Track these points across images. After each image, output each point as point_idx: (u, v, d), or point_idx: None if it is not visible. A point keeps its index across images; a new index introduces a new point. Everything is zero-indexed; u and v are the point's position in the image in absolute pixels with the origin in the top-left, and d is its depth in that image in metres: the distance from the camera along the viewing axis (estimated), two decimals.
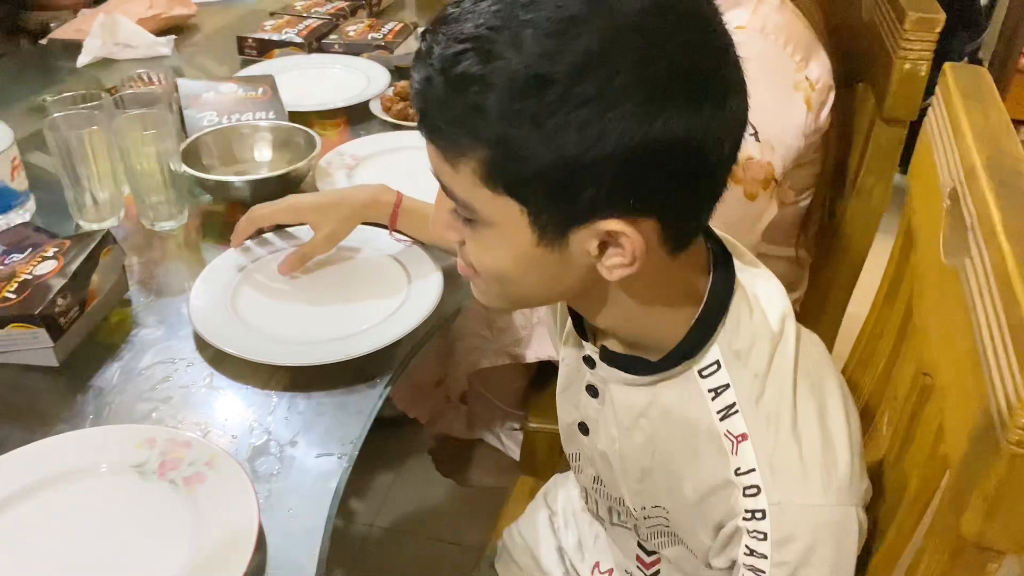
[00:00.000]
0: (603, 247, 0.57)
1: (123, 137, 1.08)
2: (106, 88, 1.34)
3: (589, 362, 0.71)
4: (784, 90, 0.98)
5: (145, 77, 1.30)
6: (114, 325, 0.96)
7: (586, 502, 0.86)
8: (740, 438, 0.61)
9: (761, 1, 0.99)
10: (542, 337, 1.25)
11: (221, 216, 1.19)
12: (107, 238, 0.96)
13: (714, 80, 0.55)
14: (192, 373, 0.89)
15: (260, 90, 1.33)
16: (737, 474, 0.62)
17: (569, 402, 0.78)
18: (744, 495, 0.61)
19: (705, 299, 0.63)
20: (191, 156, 1.18)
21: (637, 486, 0.73)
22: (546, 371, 1.29)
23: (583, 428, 0.77)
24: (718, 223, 0.92)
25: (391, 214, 1.03)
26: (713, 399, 0.63)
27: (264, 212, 1.03)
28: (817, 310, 1.16)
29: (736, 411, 0.62)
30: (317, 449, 0.80)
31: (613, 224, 0.55)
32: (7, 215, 1.10)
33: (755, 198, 0.97)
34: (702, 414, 0.63)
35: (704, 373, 0.63)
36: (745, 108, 0.58)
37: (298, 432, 0.82)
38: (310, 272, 1.03)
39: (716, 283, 0.63)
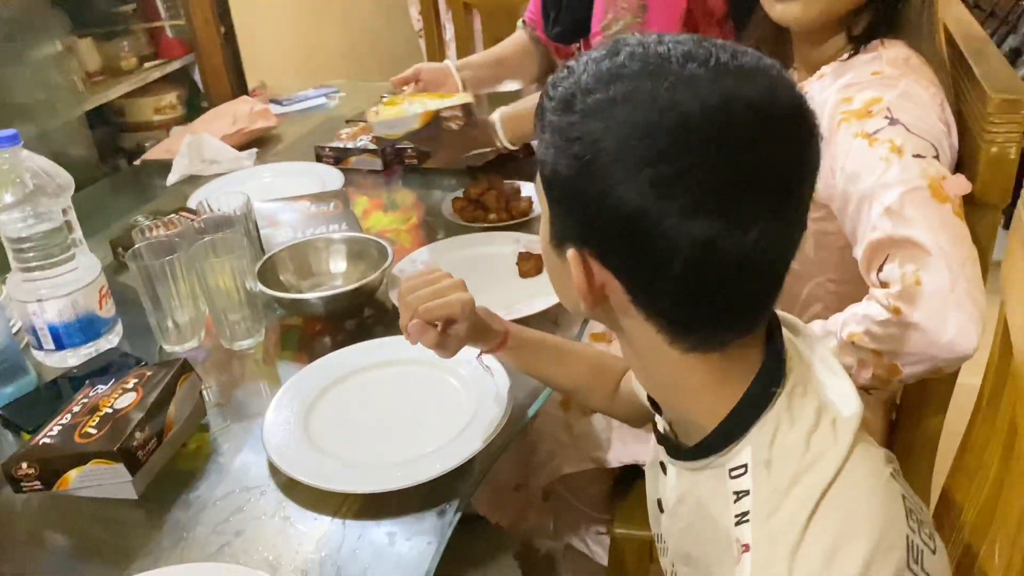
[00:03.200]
0: (589, 276, 0.61)
1: (200, 261, 1.11)
2: (182, 209, 1.39)
3: (658, 437, 0.73)
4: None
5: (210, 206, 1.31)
6: (192, 451, 0.97)
7: None
8: (744, 548, 0.59)
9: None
10: (624, 441, 1.20)
11: (299, 330, 1.21)
12: (184, 367, 0.98)
13: (752, 202, 0.55)
14: (264, 502, 0.89)
15: (331, 204, 1.36)
16: None
17: (652, 477, 0.79)
18: None
19: (738, 402, 0.62)
20: (268, 273, 1.21)
21: (686, 570, 0.72)
22: (629, 475, 1.25)
23: (660, 505, 0.76)
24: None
25: (499, 342, 0.93)
26: (735, 502, 0.61)
27: (436, 306, 0.86)
28: (916, 415, 1.08)
29: (747, 520, 0.60)
30: None
31: (574, 253, 0.60)
32: (96, 342, 1.14)
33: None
34: (724, 515, 0.62)
35: (733, 474, 0.62)
36: (790, 233, 0.59)
37: (368, 567, 0.80)
38: (380, 392, 1.02)
39: (755, 388, 0.62)
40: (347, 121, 1.86)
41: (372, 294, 1.21)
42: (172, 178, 1.71)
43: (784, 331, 0.65)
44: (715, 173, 0.53)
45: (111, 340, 1.16)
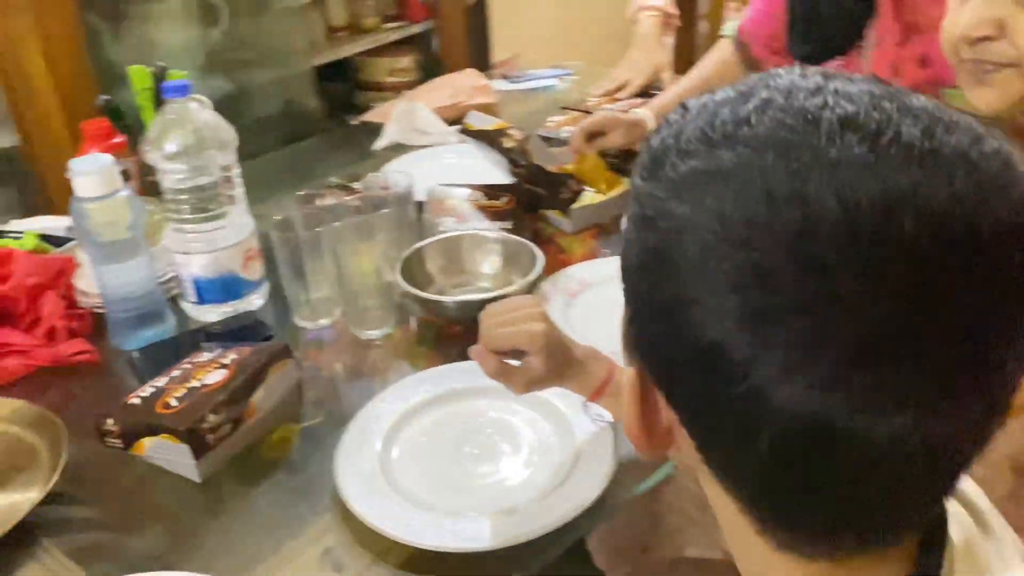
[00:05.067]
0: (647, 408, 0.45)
1: (343, 240, 1.05)
2: (347, 184, 1.36)
3: None
4: None
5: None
6: (275, 443, 0.92)
7: None
8: None
9: None
10: None
11: (435, 328, 1.12)
12: (283, 352, 0.93)
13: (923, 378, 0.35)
14: (313, 522, 0.81)
15: (503, 199, 1.25)
16: None
17: None
18: None
19: None
20: (415, 264, 1.14)
21: None
22: None
23: None
24: None
25: (597, 387, 0.81)
26: None
27: (501, 335, 0.79)
28: None
29: None
30: None
31: (634, 374, 0.44)
32: (236, 302, 1.13)
33: None
34: None
35: None
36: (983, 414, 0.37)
37: None
38: (473, 425, 0.91)
39: None
40: (562, 108, 1.74)
41: None
42: (379, 143, 1.69)
43: (952, 530, 0.43)
44: (849, 321, 0.34)
45: (252, 302, 1.14)
